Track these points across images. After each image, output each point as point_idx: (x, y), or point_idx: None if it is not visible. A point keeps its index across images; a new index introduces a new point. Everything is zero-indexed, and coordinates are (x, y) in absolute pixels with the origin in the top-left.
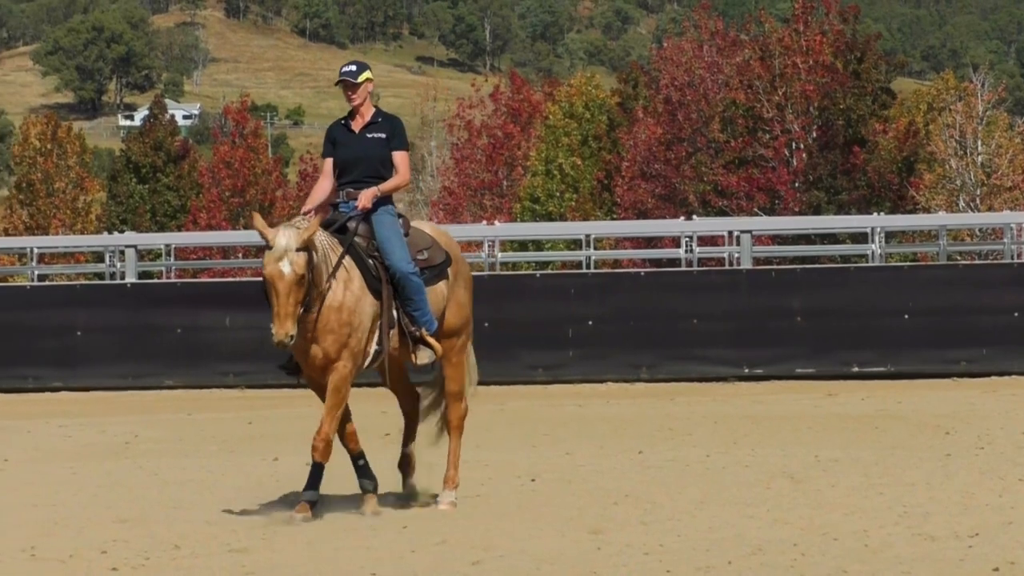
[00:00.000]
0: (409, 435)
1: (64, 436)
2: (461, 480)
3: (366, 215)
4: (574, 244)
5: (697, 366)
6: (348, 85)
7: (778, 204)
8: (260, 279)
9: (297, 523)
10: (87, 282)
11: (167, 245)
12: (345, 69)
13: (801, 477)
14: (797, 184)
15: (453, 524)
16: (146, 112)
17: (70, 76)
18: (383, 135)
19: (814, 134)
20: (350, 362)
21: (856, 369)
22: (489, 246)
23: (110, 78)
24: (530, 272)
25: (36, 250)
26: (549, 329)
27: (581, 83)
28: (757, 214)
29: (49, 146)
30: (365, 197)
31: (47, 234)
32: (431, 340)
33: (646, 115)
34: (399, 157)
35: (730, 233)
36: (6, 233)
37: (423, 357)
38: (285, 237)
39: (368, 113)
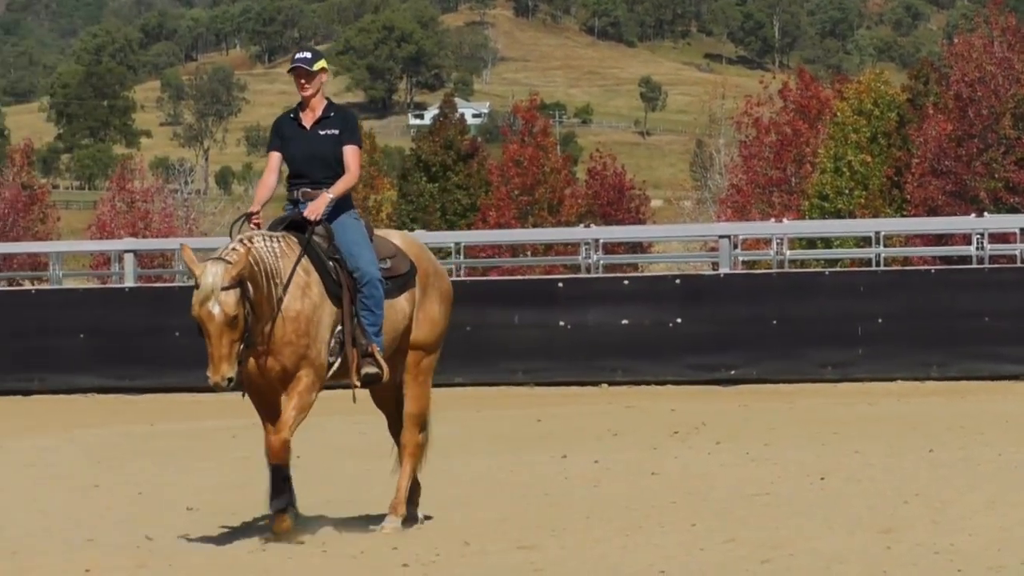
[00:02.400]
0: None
1: (358, 433)
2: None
3: (328, 217)
4: (863, 241)
5: (988, 364)
6: (302, 73)
7: None
8: (541, 278)
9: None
10: None
11: (457, 243)
12: (299, 56)
13: None
14: None
15: (742, 523)
16: (436, 111)
17: (361, 75)
18: (335, 131)
19: None
20: (311, 372)
21: None
22: (778, 243)
23: (400, 77)
24: (819, 270)
25: None
26: (838, 327)
27: (870, 80)
28: None
29: None
30: (317, 206)
31: None
32: (380, 359)
33: (936, 112)
34: (349, 152)
35: (1022, 230)
36: None
37: (368, 368)
38: (212, 275)
39: (319, 107)
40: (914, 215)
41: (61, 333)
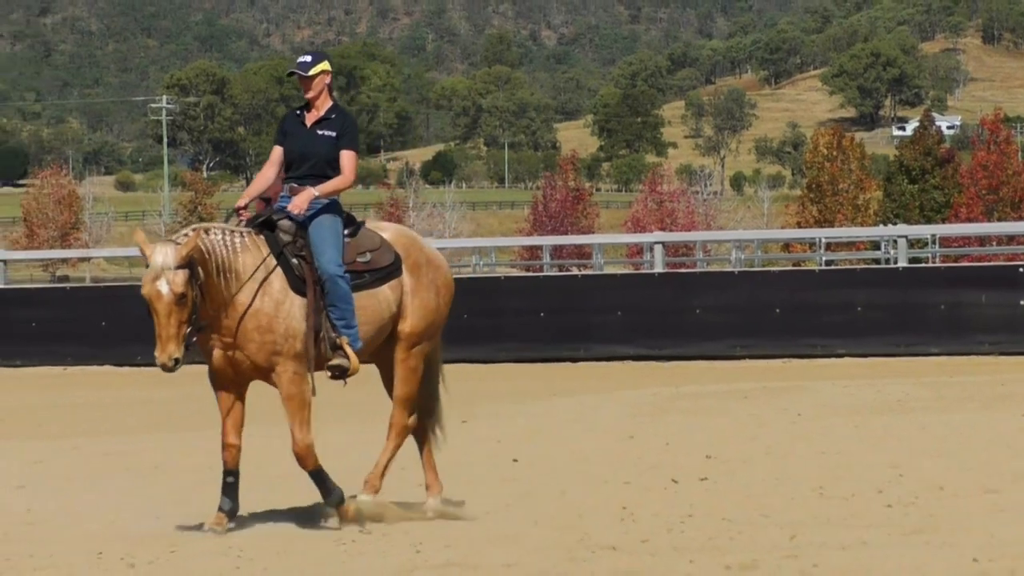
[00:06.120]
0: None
1: (847, 395)
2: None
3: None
4: None
5: None
6: (301, 78)
7: None
8: (1005, 264)
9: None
10: (865, 266)
11: (933, 235)
12: (300, 60)
13: None
14: None
15: None
16: (916, 124)
17: (852, 94)
18: (333, 133)
19: None
20: (290, 364)
21: None
22: None
23: (885, 96)
24: None
25: (824, 240)
26: None
27: None
28: None
29: (835, 153)
30: (301, 201)
31: (833, 227)
32: (350, 352)
33: None
34: (346, 157)
35: None
36: (798, 226)
37: (337, 359)
38: (162, 255)
39: (323, 107)
40: None
41: (602, 311)
